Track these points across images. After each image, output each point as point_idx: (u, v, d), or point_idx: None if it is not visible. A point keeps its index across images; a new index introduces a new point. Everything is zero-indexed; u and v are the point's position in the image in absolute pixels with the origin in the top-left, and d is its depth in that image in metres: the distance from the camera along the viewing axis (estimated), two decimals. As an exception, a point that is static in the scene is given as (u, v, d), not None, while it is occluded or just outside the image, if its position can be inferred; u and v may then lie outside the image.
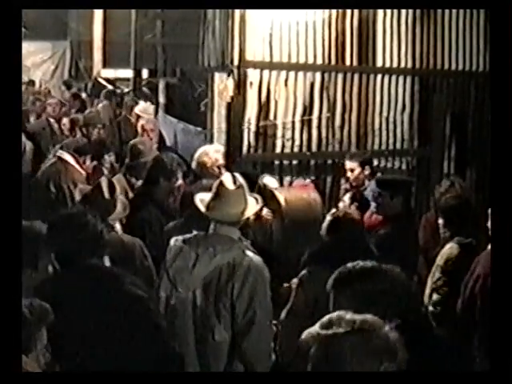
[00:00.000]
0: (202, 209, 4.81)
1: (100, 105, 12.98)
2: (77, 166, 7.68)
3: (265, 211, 6.55)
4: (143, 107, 11.17)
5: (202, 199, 4.88)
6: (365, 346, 2.38)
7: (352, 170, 7.53)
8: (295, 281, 5.33)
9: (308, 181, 8.05)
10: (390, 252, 5.24)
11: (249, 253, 4.66)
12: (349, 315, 2.48)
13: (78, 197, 5.68)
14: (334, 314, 2.50)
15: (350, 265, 3.23)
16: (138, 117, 10.83)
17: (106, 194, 5.47)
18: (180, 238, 4.79)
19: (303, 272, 5.17)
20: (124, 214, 5.61)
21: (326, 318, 2.48)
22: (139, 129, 9.53)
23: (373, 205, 6.92)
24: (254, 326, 4.48)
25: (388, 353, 2.40)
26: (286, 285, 5.67)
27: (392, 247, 5.72)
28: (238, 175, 4.96)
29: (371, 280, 3.14)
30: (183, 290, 4.62)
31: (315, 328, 2.46)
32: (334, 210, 5.99)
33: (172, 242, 4.79)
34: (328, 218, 5.50)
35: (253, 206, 4.87)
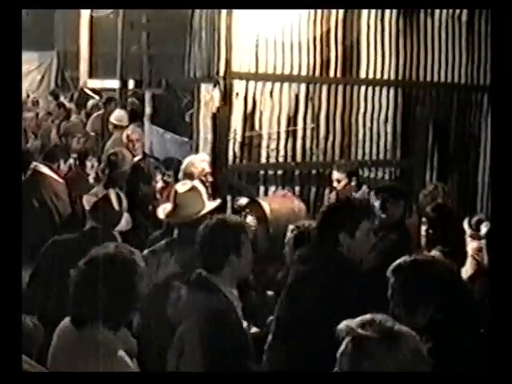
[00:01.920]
0: (161, 216, 4.96)
1: (92, 116, 13.04)
2: (55, 176, 7.59)
3: (249, 219, 6.64)
4: (117, 116, 11.14)
5: (164, 208, 5.03)
6: (394, 356, 2.46)
7: (339, 181, 7.57)
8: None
9: (285, 191, 8.12)
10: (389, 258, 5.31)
11: None
12: (389, 322, 2.54)
13: (87, 206, 5.67)
14: (377, 317, 2.56)
15: (407, 257, 3.54)
16: (115, 126, 10.83)
17: (116, 206, 5.51)
18: (147, 250, 4.94)
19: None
20: (127, 228, 5.67)
21: (367, 317, 2.55)
22: (124, 139, 9.54)
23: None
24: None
25: (416, 364, 2.49)
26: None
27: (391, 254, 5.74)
28: (196, 182, 5.10)
29: (425, 268, 3.47)
30: (151, 297, 4.70)
31: (354, 322, 2.54)
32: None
33: (143, 252, 4.91)
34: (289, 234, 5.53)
35: (210, 204, 4.99)
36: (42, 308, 5.04)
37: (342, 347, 2.50)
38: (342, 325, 2.53)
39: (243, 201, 6.91)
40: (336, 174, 7.61)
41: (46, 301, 5.08)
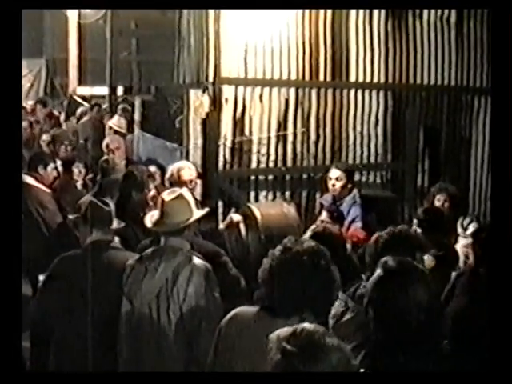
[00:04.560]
0: (149, 224, 4.93)
1: (80, 121, 13.00)
2: (40, 186, 7.44)
3: (234, 217, 6.61)
4: (117, 121, 11.12)
5: (151, 215, 5.00)
6: (319, 368, 2.43)
7: (338, 179, 7.39)
8: None
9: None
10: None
11: (192, 257, 4.72)
12: (319, 334, 2.51)
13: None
14: (308, 328, 2.53)
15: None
16: (116, 132, 10.79)
17: (104, 207, 5.49)
18: (136, 256, 4.91)
19: None
20: (120, 226, 5.66)
21: (299, 327, 2.51)
22: (104, 148, 9.49)
23: (358, 224, 6.97)
24: (203, 327, 4.48)
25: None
26: None
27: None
28: (184, 190, 5.06)
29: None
30: (138, 304, 4.69)
31: (283, 332, 2.51)
32: (313, 226, 6.00)
33: (129, 262, 4.89)
34: (308, 233, 5.50)
35: (198, 212, 4.97)
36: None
37: (273, 355, 2.48)
38: (274, 334, 2.51)
39: (236, 217, 6.86)
40: (337, 172, 7.41)
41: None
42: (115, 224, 5.66)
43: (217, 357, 3.77)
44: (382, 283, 3.16)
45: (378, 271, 3.21)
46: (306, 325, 2.54)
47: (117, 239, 5.58)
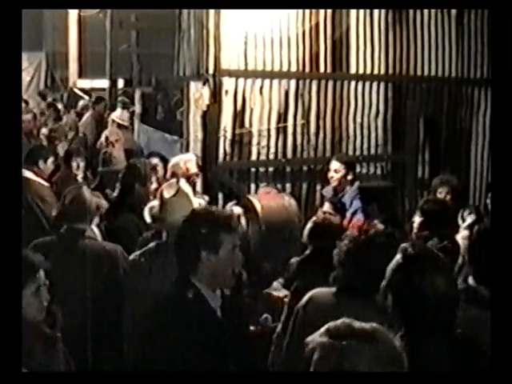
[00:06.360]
0: (148, 220, 4.88)
1: (82, 116, 13.01)
2: (39, 180, 7.35)
3: (235, 209, 6.60)
4: (120, 113, 11.13)
5: (151, 208, 4.95)
6: (371, 356, 2.37)
7: (336, 171, 7.36)
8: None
9: (270, 188, 8.04)
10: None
11: None
12: (357, 323, 2.50)
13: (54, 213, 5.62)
14: (342, 322, 2.52)
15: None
16: (119, 125, 10.79)
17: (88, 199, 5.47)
18: (138, 252, 4.88)
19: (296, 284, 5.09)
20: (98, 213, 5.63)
21: (333, 326, 2.50)
22: (103, 141, 9.47)
23: (360, 215, 6.97)
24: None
25: (393, 362, 2.44)
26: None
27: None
28: (182, 183, 5.02)
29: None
30: (142, 302, 4.67)
31: (320, 336, 2.49)
32: (314, 218, 6.02)
33: (131, 256, 4.87)
34: (309, 224, 5.52)
35: (198, 201, 4.94)
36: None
37: (316, 357, 2.45)
38: (310, 337, 2.50)
39: (236, 209, 6.85)
40: (335, 164, 7.40)
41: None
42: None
43: (292, 338, 3.95)
44: (401, 269, 3.18)
45: (398, 257, 3.23)
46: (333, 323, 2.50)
47: (95, 229, 5.54)
